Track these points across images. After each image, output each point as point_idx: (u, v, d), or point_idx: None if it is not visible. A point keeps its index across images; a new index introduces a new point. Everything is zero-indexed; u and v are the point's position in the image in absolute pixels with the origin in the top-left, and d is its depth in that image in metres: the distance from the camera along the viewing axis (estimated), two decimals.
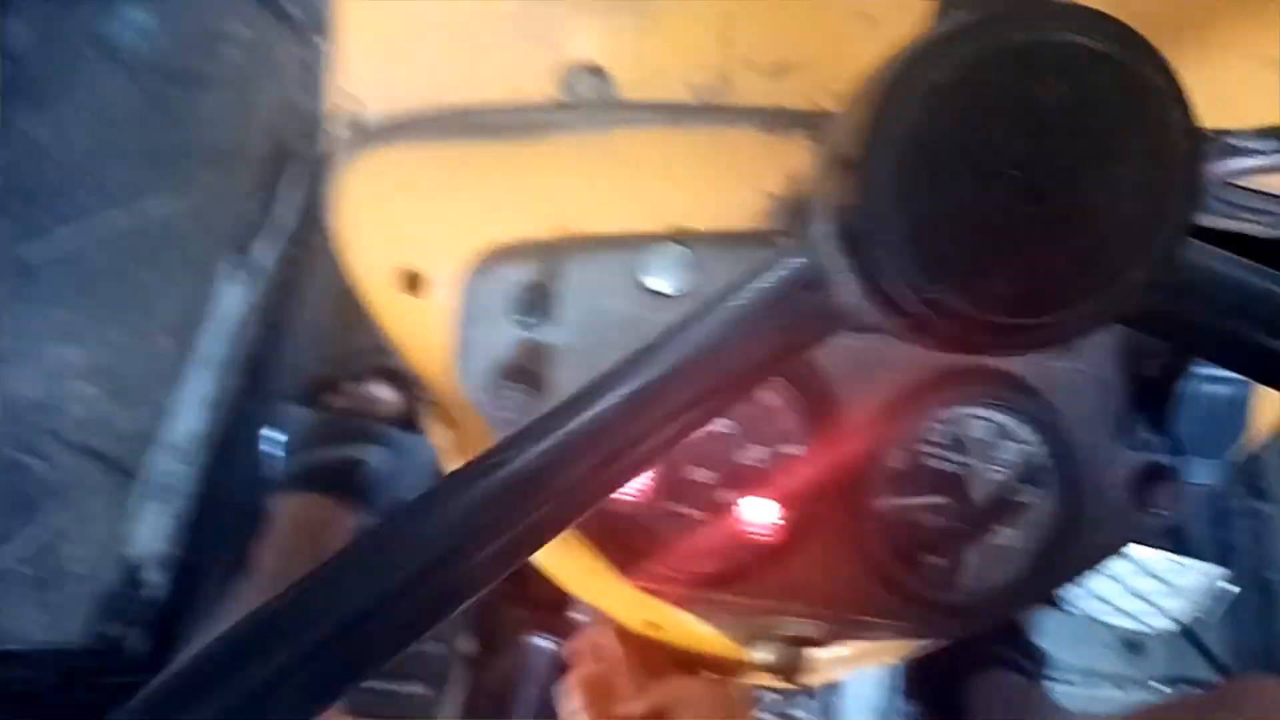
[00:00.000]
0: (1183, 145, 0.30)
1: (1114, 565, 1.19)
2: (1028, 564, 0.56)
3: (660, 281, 0.53)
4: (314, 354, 1.19)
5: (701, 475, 0.55)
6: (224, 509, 1.16)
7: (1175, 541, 1.21)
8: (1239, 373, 0.37)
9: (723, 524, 0.55)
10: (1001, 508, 0.54)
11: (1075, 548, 0.56)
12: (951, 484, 0.55)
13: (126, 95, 1.48)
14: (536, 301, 0.53)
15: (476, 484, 0.34)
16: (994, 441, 0.54)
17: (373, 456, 0.94)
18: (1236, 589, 1.25)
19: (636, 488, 0.55)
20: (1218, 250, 0.34)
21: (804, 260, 0.35)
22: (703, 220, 0.54)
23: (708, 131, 0.54)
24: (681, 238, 0.53)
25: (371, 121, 0.59)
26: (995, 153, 0.30)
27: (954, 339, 0.33)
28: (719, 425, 0.54)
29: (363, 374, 0.98)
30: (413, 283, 0.57)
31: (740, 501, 0.55)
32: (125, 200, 1.42)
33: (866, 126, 0.31)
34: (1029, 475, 0.54)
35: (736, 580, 0.56)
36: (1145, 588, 1.22)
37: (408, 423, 0.98)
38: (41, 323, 1.37)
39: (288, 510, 0.90)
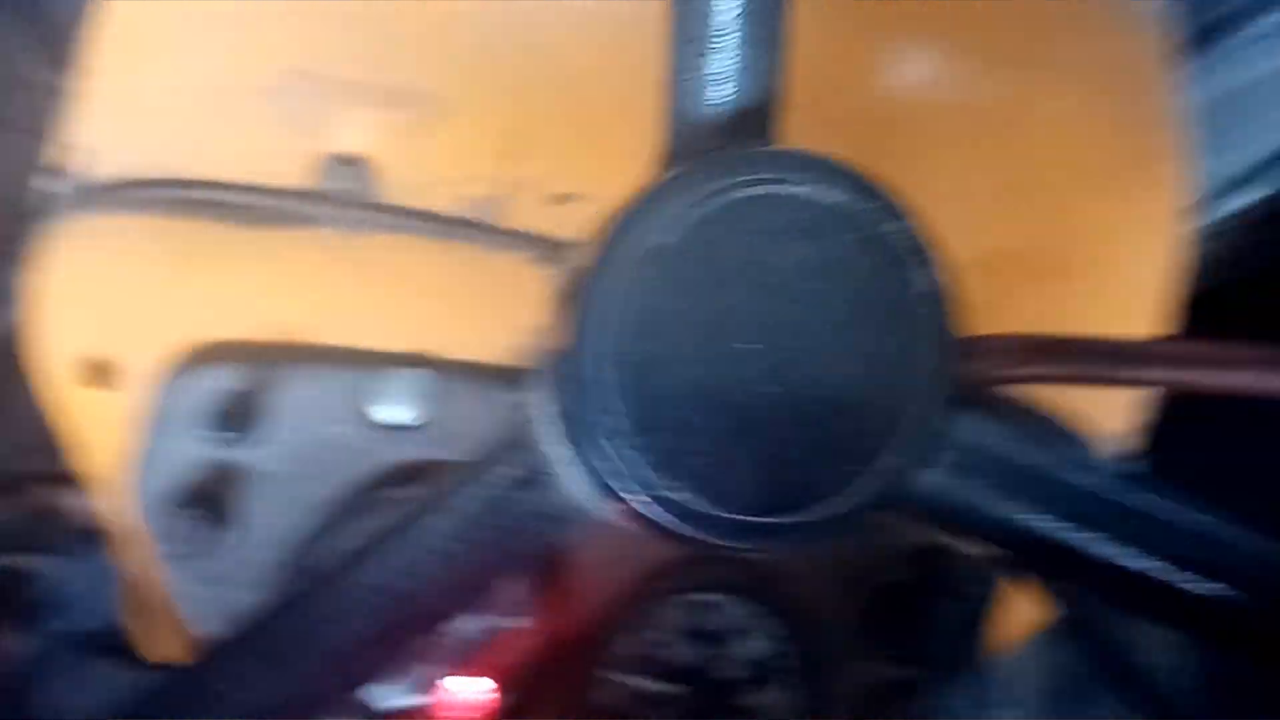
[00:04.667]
0: (927, 310, 0.27)
1: None
2: None
3: (390, 411, 0.46)
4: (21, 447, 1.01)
5: None
6: None
7: None
8: (1017, 556, 0.33)
9: (427, 703, 0.47)
10: (737, 710, 0.49)
11: None
12: (687, 677, 0.49)
13: None
14: (238, 414, 0.45)
15: None
16: (737, 636, 0.49)
17: (46, 571, 0.79)
18: None
19: None
20: (991, 423, 0.31)
21: (526, 451, 0.30)
22: (452, 348, 0.48)
23: (474, 251, 0.49)
24: (423, 363, 0.47)
25: (97, 182, 0.50)
26: (728, 324, 0.26)
27: (696, 540, 0.28)
28: None
29: (54, 474, 0.84)
30: (100, 374, 0.48)
31: (448, 679, 0.47)
32: None
33: (580, 300, 0.26)
34: (770, 677, 0.49)
35: None
36: None
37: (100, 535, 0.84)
38: None
39: None
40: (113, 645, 1.08)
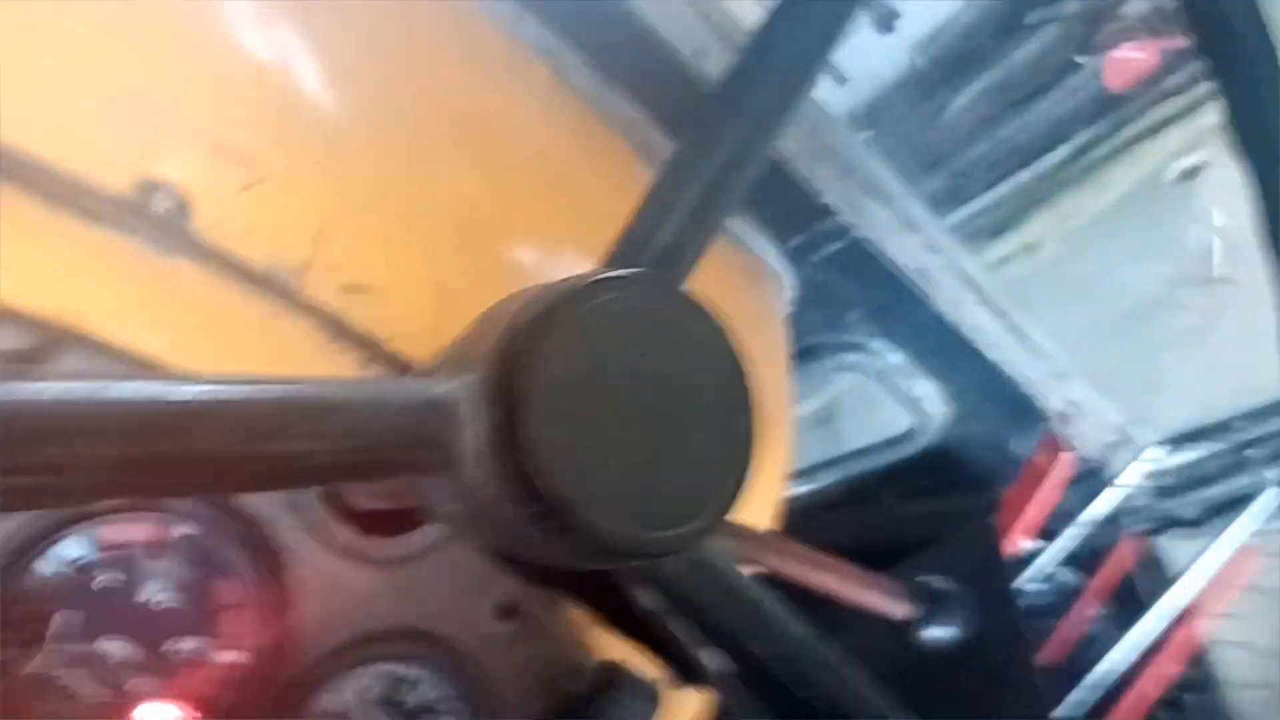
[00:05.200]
0: (743, 416, 0.38)
1: None
2: None
3: None
4: None
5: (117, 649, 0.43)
6: None
7: None
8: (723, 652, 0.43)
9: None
10: None
11: None
12: None
13: None
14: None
15: None
16: (426, 714, 0.51)
17: None
18: None
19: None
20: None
21: (451, 393, 0.35)
22: None
23: (268, 308, 0.52)
24: None
25: None
26: (635, 383, 0.36)
27: (550, 523, 0.34)
28: (163, 598, 0.45)
29: None
30: None
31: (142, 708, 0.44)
32: None
33: (538, 324, 0.35)
34: None
35: None
36: None
37: None
38: None
39: None
40: None
